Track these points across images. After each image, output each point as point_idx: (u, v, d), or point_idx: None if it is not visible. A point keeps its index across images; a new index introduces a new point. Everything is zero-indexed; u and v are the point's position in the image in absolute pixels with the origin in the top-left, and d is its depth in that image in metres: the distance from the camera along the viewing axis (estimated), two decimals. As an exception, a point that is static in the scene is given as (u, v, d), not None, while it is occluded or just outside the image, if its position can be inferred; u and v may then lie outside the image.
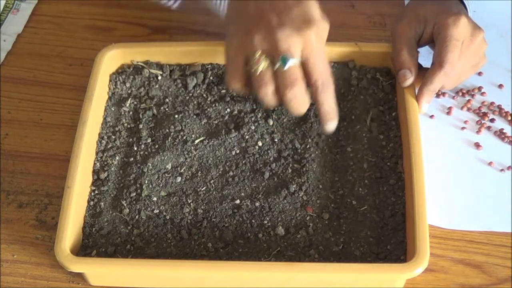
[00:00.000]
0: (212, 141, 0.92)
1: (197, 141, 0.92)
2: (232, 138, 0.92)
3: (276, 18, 0.83)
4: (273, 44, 0.83)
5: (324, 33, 0.86)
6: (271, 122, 0.93)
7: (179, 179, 0.89)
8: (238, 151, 0.92)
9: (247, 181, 0.89)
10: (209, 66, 0.99)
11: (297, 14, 0.83)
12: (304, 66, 0.84)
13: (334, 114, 0.86)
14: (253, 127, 0.93)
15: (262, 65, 0.83)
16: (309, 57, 0.83)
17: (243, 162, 0.91)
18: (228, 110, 0.95)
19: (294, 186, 0.88)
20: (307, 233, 0.85)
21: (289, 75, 0.83)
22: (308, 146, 0.91)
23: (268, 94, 0.84)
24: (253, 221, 0.86)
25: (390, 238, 0.84)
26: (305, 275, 0.81)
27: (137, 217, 0.86)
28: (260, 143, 0.92)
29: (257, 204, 0.87)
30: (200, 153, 0.91)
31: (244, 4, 0.86)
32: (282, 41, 0.82)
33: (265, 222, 0.85)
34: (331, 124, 0.87)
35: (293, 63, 0.82)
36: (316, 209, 0.86)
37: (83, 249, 0.85)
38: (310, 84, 0.84)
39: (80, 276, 0.85)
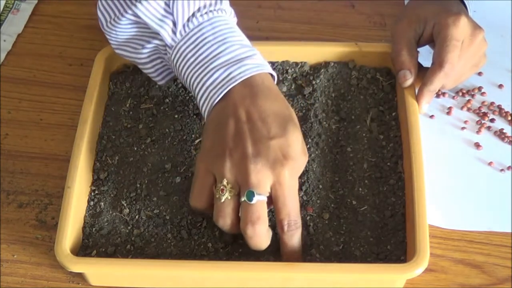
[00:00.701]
0: (212, 141, 0.92)
1: (197, 141, 0.92)
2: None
3: (253, 147, 0.79)
4: (243, 175, 0.78)
5: (299, 168, 0.81)
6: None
7: (179, 179, 0.89)
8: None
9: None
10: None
11: (275, 147, 0.79)
12: (274, 201, 0.79)
13: (298, 256, 0.81)
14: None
15: (226, 195, 0.78)
16: (279, 195, 0.78)
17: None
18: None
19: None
20: (307, 233, 0.84)
21: (254, 211, 0.78)
22: (308, 146, 0.91)
23: (226, 226, 0.80)
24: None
25: (390, 238, 0.84)
26: (305, 275, 0.81)
27: (137, 217, 0.87)
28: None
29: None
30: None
31: (225, 120, 0.81)
32: (253, 175, 0.77)
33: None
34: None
35: (259, 200, 0.78)
36: (316, 209, 0.86)
37: (83, 249, 0.85)
38: (277, 221, 0.80)
39: (80, 276, 0.85)
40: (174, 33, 0.86)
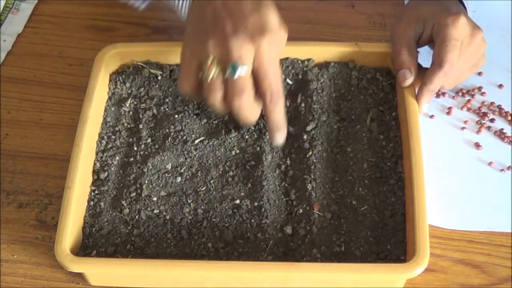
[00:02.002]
0: (212, 141, 0.92)
1: (197, 141, 0.92)
2: (232, 138, 0.92)
3: (231, 25, 0.83)
4: (225, 51, 0.82)
5: (279, 42, 0.85)
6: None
7: (179, 179, 0.89)
8: (238, 151, 0.92)
9: (247, 181, 0.89)
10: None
11: (252, 22, 0.83)
12: (255, 75, 0.83)
13: (282, 126, 0.86)
14: (253, 127, 0.93)
15: (213, 72, 0.82)
16: (261, 66, 0.83)
17: (243, 162, 0.91)
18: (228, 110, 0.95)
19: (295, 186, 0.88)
20: (309, 233, 0.84)
21: (238, 84, 0.82)
22: (308, 146, 0.91)
23: (216, 102, 0.84)
24: (252, 221, 0.86)
25: (390, 238, 0.84)
26: (305, 275, 0.81)
27: (137, 217, 0.86)
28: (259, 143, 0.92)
29: (257, 204, 0.87)
30: (200, 153, 0.91)
31: (202, 7, 0.85)
32: (234, 49, 0.82)
33: (266, 221, 0.85)
34: (278, 137, 0.87)
35: (243, 72, 0.82)
36: (319, 208, 0.86)
37: (83, 249, 0.85)
38: (260, 93, 0.83)
39: (80, 276, 0.85)
40: None
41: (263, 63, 0.83)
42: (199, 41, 0.84)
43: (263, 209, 0.86)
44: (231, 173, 0.90)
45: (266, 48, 0.82)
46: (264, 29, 0.83)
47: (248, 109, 0.84)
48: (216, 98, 0.83)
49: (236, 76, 0.82)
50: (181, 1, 0.89)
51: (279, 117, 0.85)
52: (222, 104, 0.84)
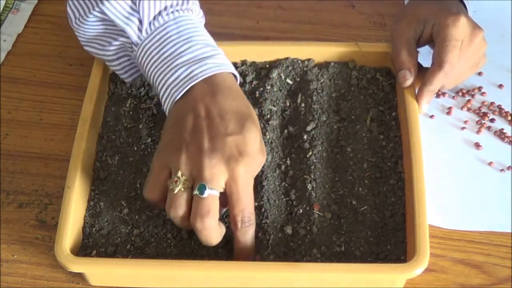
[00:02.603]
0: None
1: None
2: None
3: (209, 142, 0.79)
4: (198, 169, 0.79)
5: (256, 167, 0.82)
6: (270, 121, 0.93)
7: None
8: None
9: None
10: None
11: (231, 143, 0.79)
12: (228, 197, 0.80)
13: (250, 253, 0.82)
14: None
15: (180, 187, 0.79)
16: (233, 191, 0.79)
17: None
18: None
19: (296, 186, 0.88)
20: (309, 233, 0.84)
21: (204, 205, 0.78)
22: (308, 146, 0.91)
23: (177, 217, 0.80)
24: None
25: (390, 238, 0.84)
26: (305, 275, 0.81)
27: (137, 217, 0.86)
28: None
29: (257, 204, 0.87)
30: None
31: (185, 113, 0.82)
32: (207, 169, 0.78)
33: (266, 221, 0.85)
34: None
35: (210, 194, 0.78)
36: (319, 208, 0.86)
37: (83, 249, 0.85)
38: (230, 218, 0.80)
39: (80, 276, 0.85)
40: (140, 31, 0.87)
41: (236, 187, 0.79)
42: (173, 151, 0.80)
43: (263, 209, 0.86)
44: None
45: (241, 173, 0.79)
46: (241, 153, 0.79)
47: (211, 232, 0.79)
48: (178, 213, 0.80)
49: (204, 196, 0.78)
50: (163, 98, 0.85)
51: (248, 244, 0.81)
52: (184, 221, 0.80)
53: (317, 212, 0.86)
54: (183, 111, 0.83)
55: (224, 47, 0.95)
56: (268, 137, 0.92)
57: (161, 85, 0.85)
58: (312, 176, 0.88)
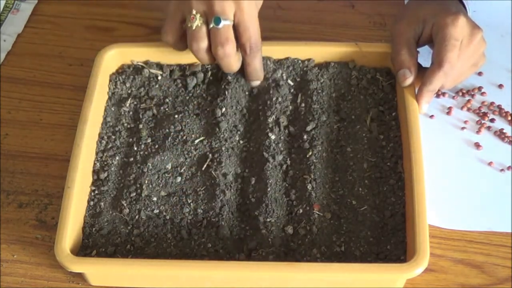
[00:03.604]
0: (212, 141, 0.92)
1: (197, 141, 0.92)
2: (232, 138, 0.92)
3: None
4: (209, 5, 0.89)
5: (258, 2, 0.93)
6: (270, 119, 0.93)
7: (179, 179, 0.89)
8: (238, 151, 0.92)
9: (248, 180, 0.89)
10: (209, 66, 0.99)
11: None
12: (236, 29, 0.91)
13: (259, 76, 0.95)
14: (254, 126, 0.94)
15: (197, 22, 0.90)
16: (241, 21, 0.90)
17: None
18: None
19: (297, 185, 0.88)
20: (309, 233, 0.84)
21: (221, 34, 0.90)
22: (308, 146, 0.91)
23: (200, 50, 0.91)
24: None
25: (390, 238, 0.84)
26: (305, 275, 0.81)
27: (137, 217, 0.86)
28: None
29: (258, 203, 0.87)
30: (200, 153, 0.91)
31: None
32: (217, 3, 0.89)
33: (268, 220, 0.85)
34: (254, 83, 0.96)
35: (225, 24, 0.89)
36: (319, 208, 0.86)
37: (83, 249, 0.85)
38: (240, 45, 0.92)
39: (80, 276, 0.85)
40: None
41: (243, 18, 0.90)
42: None
43: (268, 208, 0.86)
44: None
45: (246, 5, 0.90)
46: None
47: (232, 58, 0.91)
48: (200, 46, 0.91)
49: (220, 26, 0.89)
50: None
51: (257, 67, 0.94)
52: (206, 53, 0.91)
53: (317, 212, 0.86)
54: None
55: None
56: (273, 138, 0.92)
57: None
58: (312, 176, 0.88)
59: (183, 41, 0.93)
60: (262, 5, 1.08)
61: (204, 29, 0.90)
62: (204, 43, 0.91)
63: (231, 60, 0.92)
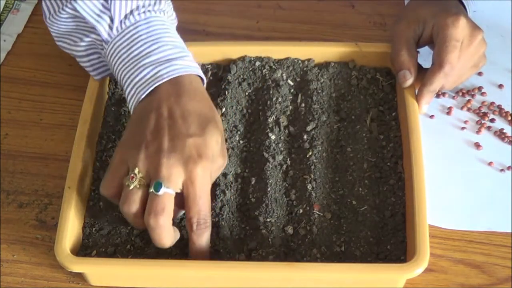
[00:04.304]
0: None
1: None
2: (232, 138, 0.92)
3: (169, 142, 0.80)
4: (155, 167, 0.79)
5: (215, 170, 0.83)
6: (270, 119, 0.93)
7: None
8: (238, 151, 0.92)
9: (248, 180, 0.89)
10: (209, 66, 0.99)
11: (191, 145, 0.80)
12: (185, 200, 0.80)
13: (201, 255, 0.82)
14: (254, 126, 0.94)
15: (135, 183, 0.79)
16: (190, 193, 0.79)
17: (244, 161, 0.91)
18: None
19: (297, 185, 0.88)
20: (309, 233, 0.84)
21: (158, 202, 0.78)
22: (308, 146, 0.91)
23: (129, 214, 0.80)
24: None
25: (390, 238, 0.84)
26: (305, 275, 0.81)
27: (137, 217, 0.86)
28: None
29: (258, 203, 0.87)
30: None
31: (148, 112, 0.83)
32: (164, 168, 0.78)
33: (268, 220, 0.85)
34: None
35: (165, 192, 0.78)
36: (319, 208, 0.86)
37: (83, 249, 0.85)
38: (186, 219, 0.80)
39: (80, 276, 0.85)
40: (111, 28, 0.88)
41: (193, 189, 0.79)
42: (133, 148, 0.81)
43: (268, 208, 0.86)
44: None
45: (199, 175, 0.79)
46: (201, 155, 0.79)
47: (164, 231, 0.79)
48: (131, 209, 0.80)
49: (159, 193, 0.78)
50: (128, 96, 0.86)
51: (203, 247, 0.81)
52: (137, 218, 0.80)
53: (317, 212, 0.86)
54: (147, 110, 0.83)
55: (224, 47, 0.95)
56: (273, 138, 0.92)
57: (127, 83, 0.86)
58: (312, 176, 0.88)
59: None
60: (262, 5, 1.08)
61: (140, 192, 0.79)
62: (134, 208, 0.80)
63: (163, 233, 0.79)
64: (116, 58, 0.87)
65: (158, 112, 0.82)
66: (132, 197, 0.80)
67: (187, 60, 0.86)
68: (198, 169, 0.79)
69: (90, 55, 0.93)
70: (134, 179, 0.79)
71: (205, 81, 0.88)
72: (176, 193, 0.80)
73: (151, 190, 0.79)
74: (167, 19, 0.90)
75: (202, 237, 0.81)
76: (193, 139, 0.80)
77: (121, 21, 0.88)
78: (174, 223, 0.82)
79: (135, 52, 0.86)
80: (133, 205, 0.80)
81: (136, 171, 0.80)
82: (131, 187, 0.80)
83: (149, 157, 0.80)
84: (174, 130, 0.81)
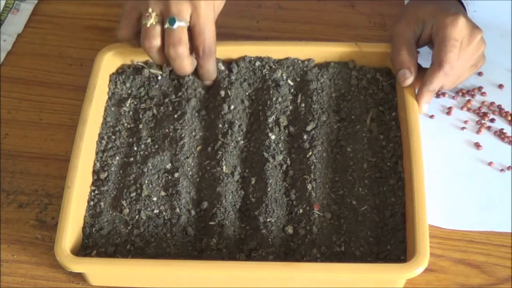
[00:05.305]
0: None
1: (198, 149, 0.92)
2: (231, 138, 0.92)
3: None
4: (165, 6, 0.89)
5: (217, 5, 0.93)
6: (270, 119, 0.93)
7: (179, 179, 0.89)
8: (238, 151, 0.92)
9: (248, 180, 0.89)
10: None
11: None
12: (192, 31, 0.91)
13: (210, 77, 0.95)
14: (254, 126, 0.94)
15: (152, 20, 0.89)
16: (196, 23, 0.90)
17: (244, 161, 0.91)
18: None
19: (297, 185, 0.88)
20: (309, 233, 0.84)
21: (175, 35, 0.90)
22: (308, 146, 0.91)
23: (152, 48, 0.91)
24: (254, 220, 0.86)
25: (390, 238, 0.84)
26: (305, 275, 0.81)
27: (137, 217, 0.86)
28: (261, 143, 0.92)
29: (258, 203, 0.87)
30: (200, 152, 0.91)
31: None
32: (173, 5, 0.89)
33: (268, 220, 0.85)
34: (206, 83, 0.96)
35: (180, 25, 0.89)
36: (319, 208, 0.86)
37: (83, 249, 0.85)
38: (194, 47, 0.91)
39: (80, 276, 0.85)
40: None
41: (199, 21, 0.90)
42: None
43: (269, 208, 0.86)
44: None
45: (202, 8, 0.90)
46: None
47: (184, 59, 0.91)
48: (153, 44, 0.90)
49: (174, 27, 0.89)
50: None
51: (210, 69, 0.94)
52: (159, 53, 0.91)
53: (317, 212, 0.86)
54: None
55: (224, 47, 0.96)
56: (273, 138, 0.92)
57: None
58: (312, 176, 0.88)
59: (138, 38, 0.93)
60: (262, 5, 1.08)
61: (158, 28, 0.90)
62: (156, 42, 0.91)
63: (183, 62, 0.92)
64: None
65: None
66: (151, 33, 0.90)
67: None
68: (202, 3, 0.90)
69: None
70: (149, 17, 0.90)
71: None
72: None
73: (167, 25, 0.90)
74: None
75: (209, 62, 0.93)
76: None
77: None
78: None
79: None
80: (154, 40, 0.90)
81: (150, 10, 0.90)
82: (149, 24, 0.90)
83: (158, 1, 0.89)
84: None
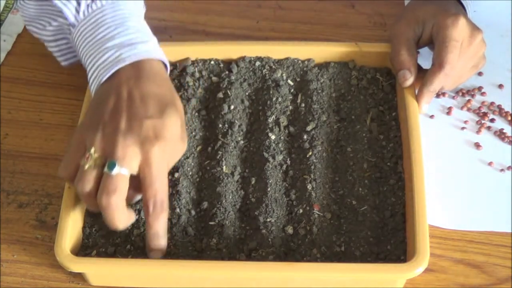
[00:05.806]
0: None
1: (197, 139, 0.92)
2: (231, 138, 0.92)
3: (127, 123, 0.79)
4: (110, 147, 0.78)
5: (174, 153, 0.82)
6: (270, 119, 0.93)
7: (179, 178, 0.89)
8: (239, 151, 0.92)
9: (248, 180, 0.89)
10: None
11: (149, 126, 0.79)
12: (141, 183, 0.79)
13: (160, 242, 0.80)
14: (254, 126, 0.94)
15: (90, 163, 0.79)
16: (146, 175, 0.78)
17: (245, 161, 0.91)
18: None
19: (297, 185, 0.88)
20: (309, 233, 0.84)
21: (111, 182, 0.77)
22: (308, 146, 0.91)
23: (83, 193, 0.79)
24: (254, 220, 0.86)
25: (390, 238, 0.84)
26: (305, 275, 0.81)
27: (137, 217, 0.86)
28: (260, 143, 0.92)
29: (258, 203, 0.87)
30: (200, 153, 0.91)
31: (108, 94, 0.83)
32: (120, 148, 0.78)
33: (268, 220, 0.85)
34: (155, 253, 0.81)
35: (120, 172, 0.78)
36: (319, 208, 0.86)
37: (83, 249, 0.85)
38: (143, 202, 0.80)
39: (80, 276, 0.85)
40: (78, 12, 0.89)
41: (149, 171, 0.78)
42: (91, 129, 0.81)
43: (268, 208, 0.86)
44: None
45: (155, 156, 0.78)
46: (158, 137, 0.79)
47: (116, 211, 0.78)
48: (84, 188, 0.79)
49: (113, 173, 0.77)
50: (91, 79, 0.87)
51: (159, 229, 0.80)
52: (91, 198, 0.79)
53: (317, 212, 0.86)
54: (107, 92, 0.84)
55: (224, 47, 0.95)
56: (273, 138, 0.92)
57: (90, 66, 0.87)
58: (312, 176, 0.88)
59: None
60: (262, 5, 1.08)
61: (95, 172, 0.79)
62: (88, 187, 0.79)
63: (115, 214, 0.78)
64: (82, 41, 0.88)
65: (117, 94, 0.82)
66: (86, 177, 0.79)
67: (150, 45, 0.87)
68: (154, 149, 0.78)
69: (58, 40, 0.94)
70: (89, 159, 0.79)
71: (168, 66, 0.89)
72: (134, 177, 0.79)
73: (105, 170, 0.78)
74: (133, 5, 0.91)
75: (159, 220, 0.79)
76: (151, 120, 0.80)
77: (87, 5, 0.89)
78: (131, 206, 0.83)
79: (99, 36, 0.87)
80: (87, 184, 0.79)
81: (92, 151, 0.79)
82: (86, 167, 0.79)
83: (105, 137, 0.79)
84: (132, 111, 0.81)
